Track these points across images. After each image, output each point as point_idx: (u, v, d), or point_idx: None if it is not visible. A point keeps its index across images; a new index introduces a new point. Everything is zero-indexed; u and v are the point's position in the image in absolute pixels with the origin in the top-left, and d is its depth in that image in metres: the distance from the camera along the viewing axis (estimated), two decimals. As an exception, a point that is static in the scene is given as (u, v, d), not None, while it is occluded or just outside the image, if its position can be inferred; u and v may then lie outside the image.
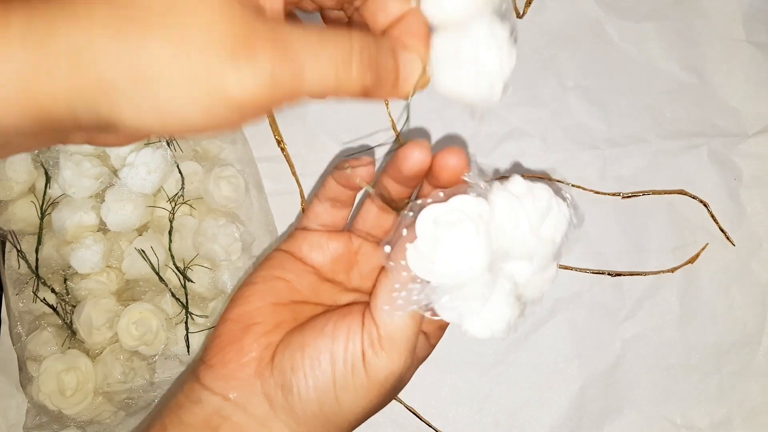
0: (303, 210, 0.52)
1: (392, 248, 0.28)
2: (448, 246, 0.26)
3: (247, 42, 0.21)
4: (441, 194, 0.28)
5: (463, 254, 0.26)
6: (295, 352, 0.30)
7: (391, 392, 0.31)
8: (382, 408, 0.32)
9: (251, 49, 0.21)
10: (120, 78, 0.20)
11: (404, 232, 0.27)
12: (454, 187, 0.29)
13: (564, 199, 0.29)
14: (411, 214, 0.27)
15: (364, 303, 0.30)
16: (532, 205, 0.28)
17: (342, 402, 0.29)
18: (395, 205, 0.32)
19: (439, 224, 0.27)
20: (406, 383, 0.33)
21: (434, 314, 0.28)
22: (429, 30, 0.28)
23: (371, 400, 0.29)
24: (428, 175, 0.31)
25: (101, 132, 0.25)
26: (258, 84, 0.21)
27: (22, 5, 0.20)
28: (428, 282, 0.27)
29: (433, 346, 0.34)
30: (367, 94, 0.25)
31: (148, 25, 0.20)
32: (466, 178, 0.29)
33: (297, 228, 0.36)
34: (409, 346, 0.29)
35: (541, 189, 0.28)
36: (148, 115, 0.21)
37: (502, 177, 0.30)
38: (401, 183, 0.32)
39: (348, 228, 0.37)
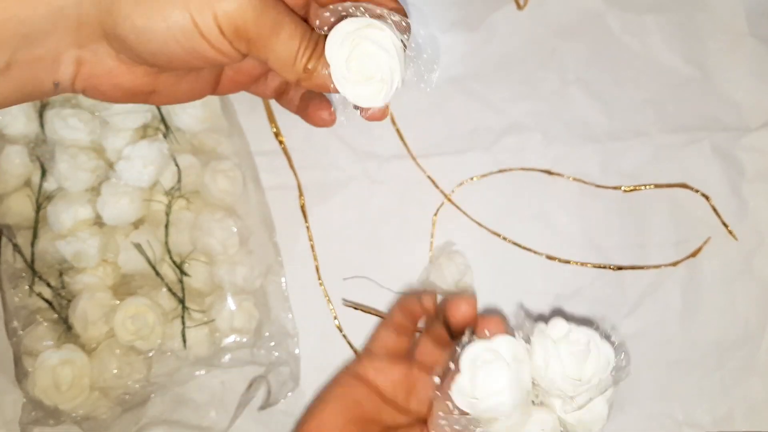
0: (302, 208, 0.52)
1: (441, 380, 0.32)
2: (483, 382, 0.30)
3: None
4: (487, 333, 0.32)
5: (495, 390, 0.30)
6: None
7: None
8: None
9: None
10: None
11: (451, 366, 0.31)
12: (501, 327, 0.33)
13: (610, 341, 0.32)
14: (458, 350, 0.32)
15: (421, 426, 0.35)
16: (568, 348, 0.31)
17: None
18: (452, 336, 0.37)
19: (477, 363, 0.31)
20: None
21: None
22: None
23: None
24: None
25: (102, 44, 0.29)
26: (240, 5, 0.27)
27: None
28: (468, 414, 0.30)
29: None
30: (304, 84, 0.31)
31: None
32: (510, 321, 0.33)
33: (365, 350, 0.43)
34: None
35: (580, 333, 0.32)
36: (143, 20, 0.27)
37: (547, 317, 0.35)
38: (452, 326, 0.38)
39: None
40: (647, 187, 0.51)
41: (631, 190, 0.51)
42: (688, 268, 0.50)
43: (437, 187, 0.52)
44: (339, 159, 0.52)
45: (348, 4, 0.30)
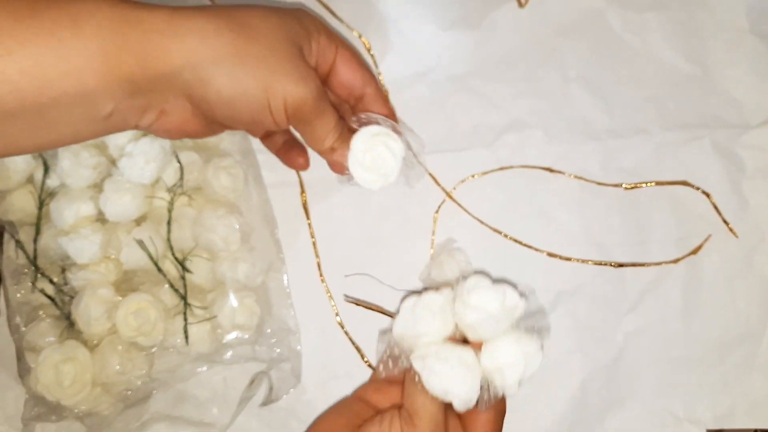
0: (304, 205, 0.52)
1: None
2: (419, 321, 0.38)
3: (307, 72, 0.37)
4: (421, 291, 0.40)
5: (428, 328, 0.38)
6: None
7: None
8: None
9: (309, 78, 0.36)
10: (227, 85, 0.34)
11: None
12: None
13: (521, 294, 0.38)
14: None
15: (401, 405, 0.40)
16: (478, 294, 0.38)
17: None
18: None
19: (414, 311, 0.39)
20: None
21: (413, 368, 0.38)
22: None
23: None
24: None
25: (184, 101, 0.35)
26: (305, 95, 0.36)
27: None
28: (402, 347, 0.39)
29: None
30: (323, 155, 0.41)
31: (257, 58, 0.35)
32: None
33: (368, 379, 0.47)
34: (433, 419, 0.37)
35: (491, 283, 0.38)
36: (231, 94, 0.34)
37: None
38: None
39: None
40: (648, 184, 0.51)
41: (632, 188, 0.51)
42: (688, 265, 0.50)
43: (438, 184, 0.52)
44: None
45: (378, 116, 0.41)
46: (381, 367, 0.39)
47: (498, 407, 0.39)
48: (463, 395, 0.36)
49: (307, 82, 0.36)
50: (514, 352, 0.37)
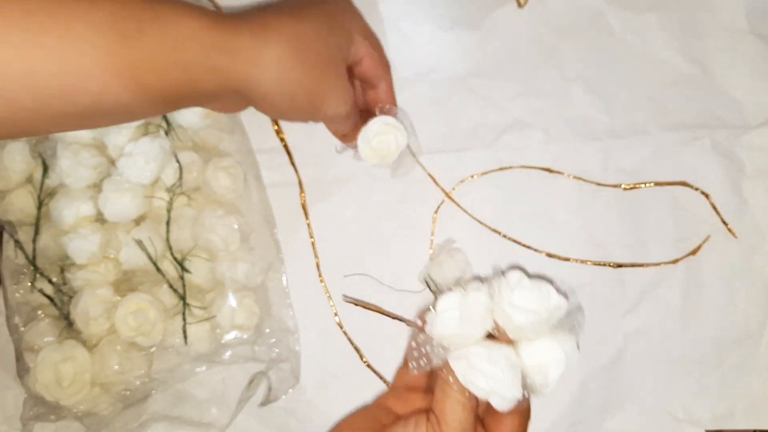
0: (303, 205, 0.52)
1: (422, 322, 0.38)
2: (457, 320, 0.37)
3: (348, 89, 0.43)
4: (460, 289, 0.39)
5: (474, 330, 0.37)
6: None
7: None
8: None
9: (349, 96, 0.43)
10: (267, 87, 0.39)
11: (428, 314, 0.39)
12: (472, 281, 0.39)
13: (561, 292, 0.37)
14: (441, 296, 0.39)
15: (428, 410, 0.38)
16: (521, 293, 0.37)
17: None
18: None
19: (460, 312, 0.37)
20: None
21: (449, 369, 0.36)
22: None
23: None
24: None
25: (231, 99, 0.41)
26: (344, 111, 0.43)
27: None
28: (442, 346, 0.37)
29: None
30: (341, 137, 0.48)
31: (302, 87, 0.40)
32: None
33: (390, 387, 0.48)
34: (461, 427, 0.36)
35: (531, 281, 0.37)
36: (287, 106, 0.41)
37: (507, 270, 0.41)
38: None
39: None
40: (647, 185, 0.51)
41: (631, 188, 0.51)
42: (687, 265, 0.50)
43: (438, 184, 0.52)
44: (340, 156, 0.52)
45: (398, 111, 0.48)
46: (413, 365, 0.37)
47: (522, 410, 0.38)
48: (508, 395, 0.35)
49: (347, 100, 0.43)
50: (556, 350, 0.37)
